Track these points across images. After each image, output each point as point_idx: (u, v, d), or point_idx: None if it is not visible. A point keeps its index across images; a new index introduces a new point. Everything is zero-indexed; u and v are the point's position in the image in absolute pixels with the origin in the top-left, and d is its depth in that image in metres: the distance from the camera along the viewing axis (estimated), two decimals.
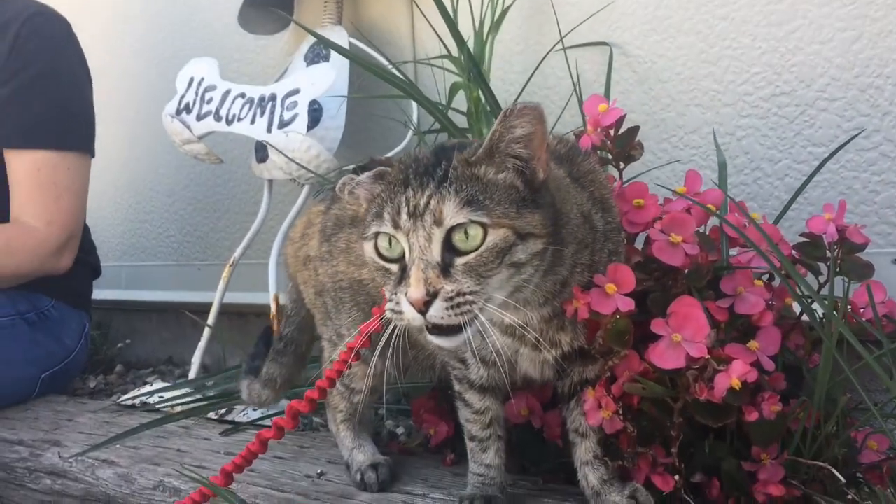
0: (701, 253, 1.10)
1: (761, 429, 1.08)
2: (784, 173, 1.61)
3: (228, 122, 1.99)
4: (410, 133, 1.98)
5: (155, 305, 2.86)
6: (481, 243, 0.92)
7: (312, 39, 2.12)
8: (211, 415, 1.78)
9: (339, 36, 2.08)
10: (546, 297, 1.03)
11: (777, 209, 1.57)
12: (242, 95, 1.99)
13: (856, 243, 1.20)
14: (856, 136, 1.48)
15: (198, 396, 1.92)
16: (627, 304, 0.99)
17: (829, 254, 1.22)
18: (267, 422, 1.72)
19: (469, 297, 0.91)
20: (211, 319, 2.09)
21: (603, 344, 1.01)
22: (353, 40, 2.07)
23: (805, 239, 1.24)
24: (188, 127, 2.05)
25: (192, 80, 2.09)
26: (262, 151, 2.12)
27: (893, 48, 1.48)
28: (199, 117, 2.04)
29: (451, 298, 0.90)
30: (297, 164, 1.84)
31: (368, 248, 0.99)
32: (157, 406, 1.87)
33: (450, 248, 0.93)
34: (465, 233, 0.92)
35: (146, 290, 2.89)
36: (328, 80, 1.86)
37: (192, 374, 2.07)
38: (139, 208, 2.93)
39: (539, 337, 1.05)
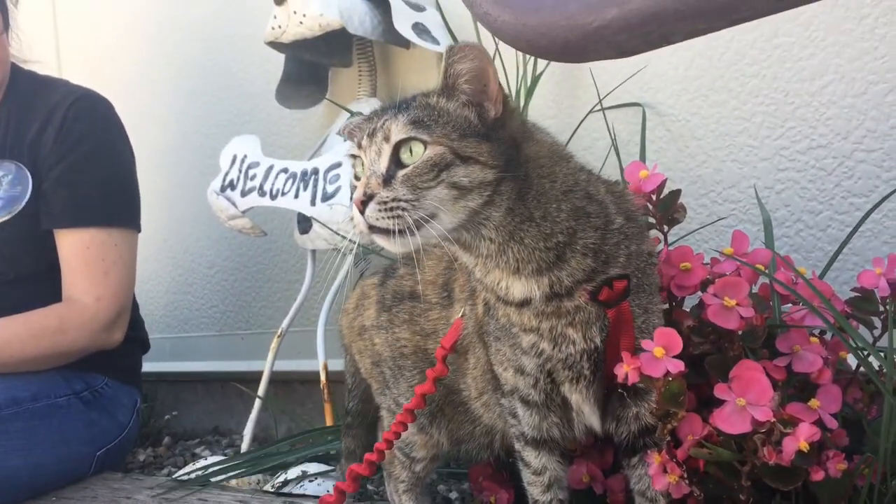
0: (755, 315, 1.11)
1: (828, 488, 1.08)
2: (826, 224, 1.62)
3: (273, 197, 2.05)
4: None
5: (200, 376, 2.90)
6: (420, 157, 1.01)
7: (348, 114, 2.18)
8: (267, 487, 1.79)
9: (372, 107, 2.14)
10: (539, 263, 1.06)
11: (821, 260, 1.58)
12: (285, 171, 2.05)
13: None
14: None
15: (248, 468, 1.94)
16: (677, 366, 1.01)
17: (881, 307, 1.23)
18: (322, 492, 1.73)
19: (402, 204, 0.99)
20: (261, 390, 2.12)
21: (659, 407, 1.03)
22: None
23: (857, 294, 1.25)
24: (233, 203, 2.10)
25: (235, 158, 2.16)
26: (304, 223, 2.17)
27: None
28: (244, 193, 2.10)
29: (384, 202, 1.00)
30: (342, 235, 1.88)
31: (351, 174, 1.12)
32: (212, 478, 1.89)
33: (397, 163, 1.03)
34: (410, 150, 1.02)
35: (190, 361, 2.93)
36: None
37: (244, 447, 2.09)
38: (181, 280, 2.99)
39: (552, 329, 1.08)
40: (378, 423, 1.60)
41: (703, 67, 1.77)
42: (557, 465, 1.17)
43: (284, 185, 2.03)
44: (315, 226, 1.98)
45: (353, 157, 1.10)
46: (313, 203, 1.96)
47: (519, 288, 1.08)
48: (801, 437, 0.97)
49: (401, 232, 1.00)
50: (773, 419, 0.98)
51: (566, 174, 1.10)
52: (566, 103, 1.96)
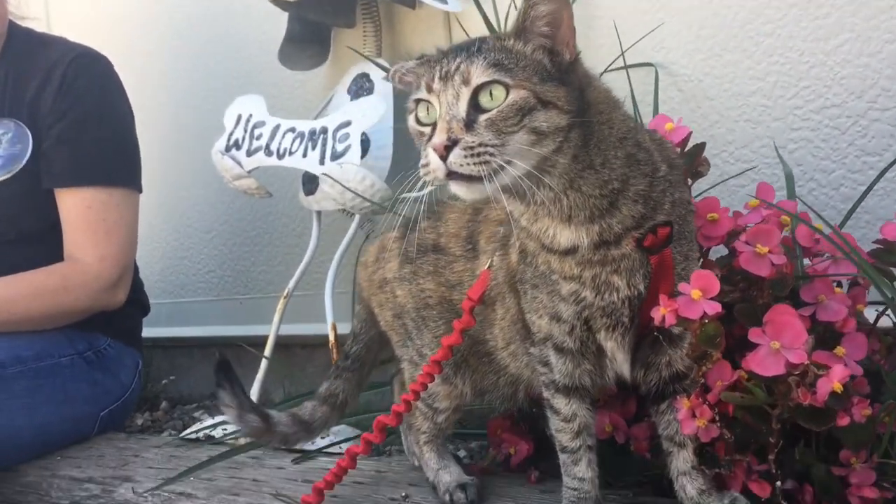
0: (787, 262, 1.12)
1: (853, 433, 1.09)
2: (839, 183, 1.64)
3: (280, 157, 2.03)
4: None
5: (197, 341, 2.88)
6: (503, 101, 0.99)
7: (355, 73, 2.17)
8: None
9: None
10: (592, 211, 1.06)
11: (833, 218, 1.59)
12: (293, 130, 2.03)
13: None
14: None
15: None
16: (714, 308, 1.02)
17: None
18: (334, 448, 1.73)
19: (489, 149, 0.98)
20: (268, 351, 2.11)
21: (695, 349, 1.04)
22: None
23: (879, 246, 1.26)
24: (239, 163, 2.08)
25: (240, 118, 2.13)
26: (310, 184, 2.16)
27: None
28: (250, 153, 2.08)
29: (472, 147, 0.98)
30: (354, 193, 1.87)
31: (411, 119, 1.08)
32: (223, 439, 1.89)
33: (476, 107, 1.01)
34: (490, 94, 1.00)
35: (187, 326, 2.91)
36: (379, 111, 1.90)
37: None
38: (178, 244, 2.97)
39: (595, 277, 1.08)
40: (396, 376, 1.60)
41: (717, 27, 1.77)
42: (587, 412, 1.18)
43: (292, 144, 2.01)
44: (322, 186, 1.96)
45: (418, 101, 1.06)
46: (322, 162, 1.94)
47: (567, 235, 1.08)
48: (835, 379, 0.98)
49: (485, 177, 0.98)
50: (807, 361, 0.99)
51: (621, 121, 1.10)
52: None
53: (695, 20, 1.79)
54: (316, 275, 2.35)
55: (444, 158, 0.99)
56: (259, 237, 2.72)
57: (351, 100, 2.12)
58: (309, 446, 1.76)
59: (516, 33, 1.05)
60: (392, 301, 1.41)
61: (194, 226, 2.90)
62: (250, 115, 2.12)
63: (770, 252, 1.11)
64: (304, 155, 1.98)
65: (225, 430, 1.95)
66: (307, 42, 2.33)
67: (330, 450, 1.73)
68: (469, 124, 1.00)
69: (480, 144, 0.99)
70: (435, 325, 1.34)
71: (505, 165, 0.99)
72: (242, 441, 1.86)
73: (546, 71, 1.03)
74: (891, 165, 1.46)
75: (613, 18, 1.87)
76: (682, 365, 1.13)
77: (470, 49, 1.04)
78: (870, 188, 1.46)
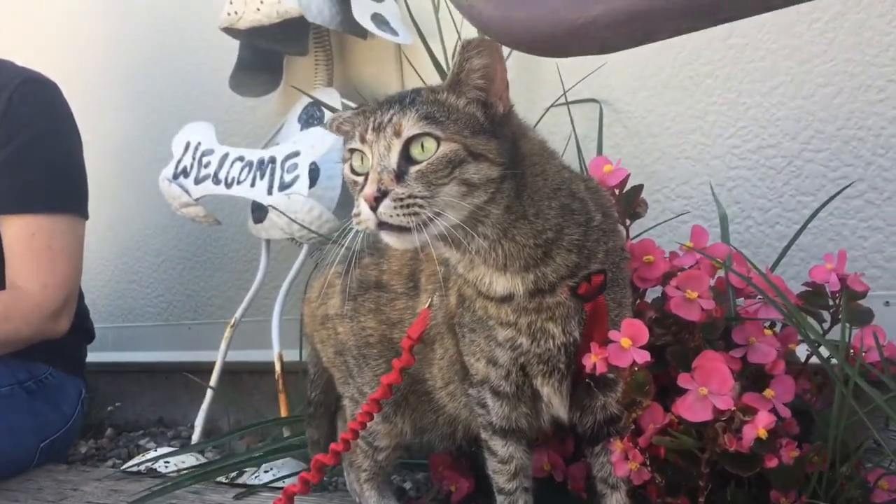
0: (716, 307, 1.15)
1: (781, 474, 1.12)
2: (775, 221, 1.68)
3: (228, 186, 2.02)
4: None
5: (144, 366, 2.84)
6: (434, 154, 1.01)
7: (305, 102, 2.17)
8: (221, 478, 1.78)
9: (332, 97, 2.13)
10: (527, 260, 1.08)
11: (769, 256, 1.63)
12: (241, 159, 2.03)
13: (857, 291, 1.26)
14: (846, 187, 1.55)
15: (203, 461, 1.92)
16: (643, 357, 1.04)
17: (831, 302, 1.28)
18: (279, 483, 1.72)
19: (418, 201, 0.99)
20: (213, 380, 2.09)
21: (625, 396, 1.06)
22: (346, 101, 2.13)
23: (808, 288, 1.29)
24: (186, 191, 2.07)
25: (188, 145, 2.12)
26: (258, 212, 2.15)
27: (872, 102, 1.56)
28: (198, 181, 2.07)
29: (401, 199, 0.99)
30: (300, 224, 1.87)
31: (346, 168, 1.10)
32: (164, 472, 1.87)
33: (408, 159, 1.02)
34: (422, 146, 1.02)
35: (134, 351, 2.88)
36: (327, 142, 1.91)
37: (195, 437, 2.07)
38: (126, 269, 2.93)
39: (530, 324, 1.10)
40: (338, 412, 1.60)
41: (659, 65, 1.81)
42: (524, 453, 1.19)
43: (240, 173, 2.01)
44: (270, 215, 1.96)
45: (352, 150, 1.09)
46: (270, 192, 1.94)
47: (503, 283, 1.10)
48: (760, 425, 1.01)
49: (413, 228, 1.00)
50: (733, 408, 1.02)
51: (555, 172, 1.12)
52: (523, 97, 1.98)
53: (638, 58, 1.82)
54: (265, 301, 2.34)
55: (374, 209, 1.01)
56: (209, 262, 2.70)
57: (301, 129, 2.12)
58: (253, 480, 1.75)
59: (450, 86, 1.07)
60: (334, 338, 1.42)
61: (143, 249, 2.87)
62: (199, 143, 2.12)
63: (700, 297, 1.13)
64: (252, 184, 1.98)
65: (167, 462, 1.93)
66: (258, 69, 2.33)
67: (274, 484, 1.72)
68: (400, 175, 1.01)
69: (410, 196, 1.00)
70: (376, 363, 1.35)
71: (435, 217, 1.01)
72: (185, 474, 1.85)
73: (478, 124, 1.05)
74: (823, 206, 1.50)
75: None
76: (615, 408, 1.15)
77: (403, 101, 1.05)
78: (803, 228, 1.49)
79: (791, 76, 1.65)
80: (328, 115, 2.09)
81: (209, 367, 2.26)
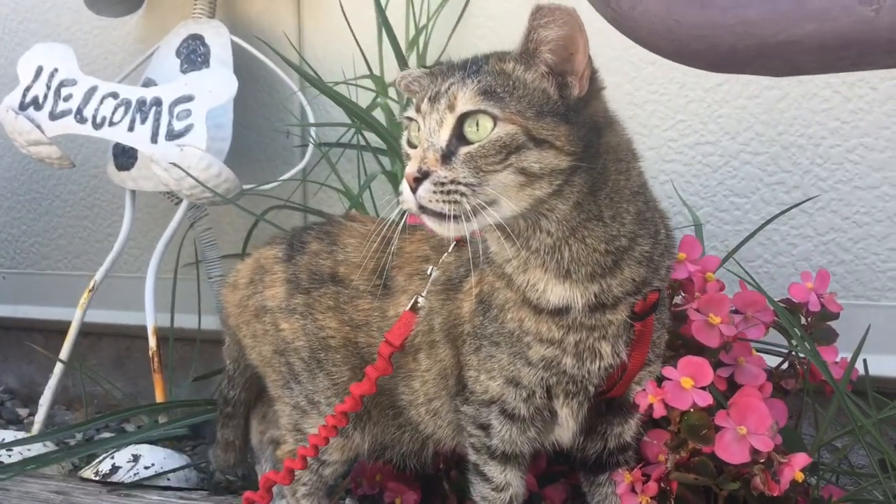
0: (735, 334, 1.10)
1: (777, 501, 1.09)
2: (706, 220, 1.66)
3: (96, 126, 1.70)
4: (311, 148, 1.81)
5: None
6: (488, 135, 0.89)
7: (183, 32, 1.87)
8: (88, 472, 1.51)
9: (219, 32, 1.85)
10: (594, 268, 0.96)
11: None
12: (114, 95, 1.71)
13: (831, 311, 1.26)
14: (802, 202, 1.54)
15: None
16: (705, 399, 0.96)
17: (804, 320, 1.27)
18: (161, 481, 1.50)
19: (461, 188, 0.89)
20: (65, 352, 1.78)
21: (678, 436, 0.97)
22: (237, 39, 1.86)
23: (785, 305, 1.27)
24: (38, 126, 1.72)
25: (40, 70, 1.77)
26: (123, 157, 1.85)
27: (816, 110, 1.57)
28: (54, 116, 1.73)
29: (442, 184, 0.89)
30: (198, 182, 1.60)
31: (403, 136, 0.99)
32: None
33: (460, 137, 0.91)
34: (477, 124, 0.90)
35: None
36: (230, 89, 1.65)
37: (38, 418, 1.76)
38: None
39: (578, 343, 0.98)
40: (253, 411, 1.41)
41: (599, 45, 1.69)
42: (520, 481, 1.08)
43: (113, 112, 1.70)
44: (153, 167, 1.67)
45: (409, 119, 0.95)
46: (154, 140, 1.65)
47: (559, 293, 0.97)
48: (797, 467, 0.96)
49: (455, 217, 0.87)
50: (772, 449, 0.97)
51: (637, 174, 1.00)
52: None
53: None
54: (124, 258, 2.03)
55: (413, 190, 0.89)
56: (34, 203, 2.34)
57: (182, 65, 1.83)
58: (130, 477, 1.51)
59: (519, 56, 0.93)
60: (273, 335, 1.22)
61: None
62: (55, 70, 1.76)
63: (721, 322, 1.07)
64: (131, 128, 1.68)
65: (10, 451, 1.63)
66: None
67: (155, 483, 1.49)
68: (447, 156, 0.90)
69: (452, 181, 0.89)
70: (337, 369, 1.17)
71: (481, 207, 0.89)
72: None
73: (549, 103, 0.92)
74: (772, 219, 1.50)
75: (496, 30, 1.77)
76: (630, 436, 1.07)
77: (468, 69, 0.93)
78: (749, 238, 1.48)
79: (737, 75, 1.62)
80: (216, 51, 1.82)
81: (48, 325, 1.95)
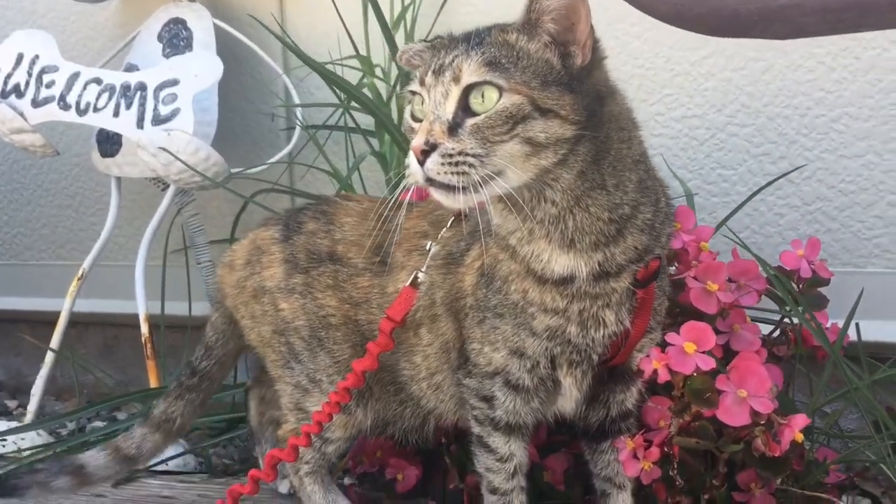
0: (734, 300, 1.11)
1: (774, 463, 1.11)
2: (693, 192, 1.67)
3: (80, 112, 1.69)
4: (297, 130, 1.80)
5: None
6: (493, 106, 0.90)
7: (164, 17, 1.85)
8: None
9: (201, 16, 1.83)
10: (598, 236, 0.97)
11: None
12: (97, 81, 1.70)
13: (822, 277, 1.28)
14: (788, 172, 1.56)
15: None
16: (708, 363, 0.97)
17: (797, 287, 1.29)
18: (159, 467, 1.50)
19: (469, 159, 0.90)
20: (55, 341, 1.77)
21: (681, 400, 0.99)
22: (219, 22, 1.84)
23: (776, 273, 1.29)
24: (21, 113, 1.70)
25: (20, 57, 1.75)
26: (107, 144, 1.84)
27: (801, 81, 1.58)
28: (37, 103, 1.71)
29: (450, 155, 0.89)
30: (186, 166, 1.59)
31: (407, 112, 0.99)
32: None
33: (466, 109, 0.91)
34: (482, 95, 0.91)
35: None
36: (216, 72, 1.64)
37: (31, 408, 1.75)
38: None
39: (582, 311, 0.99)
40: (251, 391, 1.40)
41: None
42: (524, 451, 1.09)
43: (97, 98, 1.68)
44: (140, 153, 1.65)
45: (413, 93, 0.96)
46: (140, 125, 1.64)
47: (563, 263, 0.97)
48: (797, 428, 0.98)
49: (464, 189, 0.88)
50: (772, 411, 0.98)
51: (639, 141, 1.01)
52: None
53: None
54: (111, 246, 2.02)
55: (421, 163, 0.89)
56: (15, 193, 2.30)
57: (165, 49, 1.81)
58: None
59: (521, 26, 0.94)
60: (273, 315, 1.22)
61: None
62: (35, 56, 1.75)
63: (719, 289, 1.08)
64: (116, 114, 1.66)
65: (4, 441, 1.62)
66: None
67: (157, 467, 1.49)
68: (454, 128, 0.90)
69: (460, 153, 0.89)
70: (338, 347, 1.17)
71: (489, 178, 0.89)
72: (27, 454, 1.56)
73: (552, 73, 0.92)
74: (759, 191, 1.52)
75: (479, 7, 1.77)
76: (631, 403, 1.08)
77: (471, 41, 0.93)
78: (736, 210, 1.51)
79: (722, 46, 1.63)
80: (199, 34, 1.80)
81: (34, 315, 1.94)
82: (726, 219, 1.51)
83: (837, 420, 1.42)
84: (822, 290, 1.31)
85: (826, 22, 0.65)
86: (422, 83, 0.94)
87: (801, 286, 1.29)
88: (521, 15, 0.95)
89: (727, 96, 1.64)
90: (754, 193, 1.50)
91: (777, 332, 1.32)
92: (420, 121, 0.94)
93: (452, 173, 0.88)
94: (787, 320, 1.31)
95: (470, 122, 0.90)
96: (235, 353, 1.36)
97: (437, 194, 0.91)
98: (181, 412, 1.36)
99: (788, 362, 1.32)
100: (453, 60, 0.92)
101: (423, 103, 0.94)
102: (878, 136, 1.54)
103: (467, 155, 0.89)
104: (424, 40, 1.03)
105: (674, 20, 0.77)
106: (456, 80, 0.91)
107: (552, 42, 0.94)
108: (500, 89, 0.90)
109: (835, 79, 1.56)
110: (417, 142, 0.90)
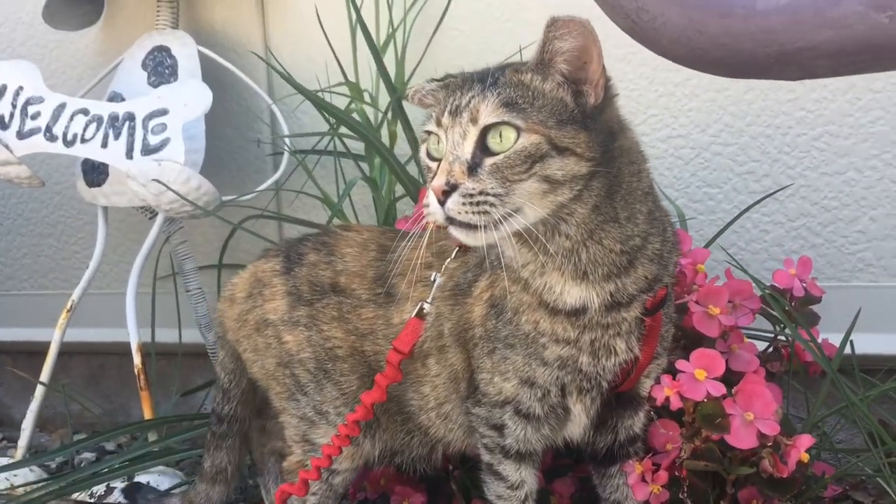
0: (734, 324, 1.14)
1: (782, 484, 1.13)
2: (680, 212, 1.70)
3: (68, 144, 1.67)
4: (286, 156, 1.80)
5: None
6: (512, 146, 0.92)
7: (147, 45, 1.84)
8: (82, 496, 1.49)
9: (185, 43, 1.83)
10: (611, 268, 0.99)
11: None
12: (84, 112, 1.68)
13: (814, 295, 1.31)
14: (774, 191, 1.60)
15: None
16: (719, 389, 0.99)
17: (788, 306, 1.32)
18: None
19: (490, 199, 0.91)
20: (45, 374, 1.75)
21: (692, 426, 1.01)
22: (203, 49, 1.84)
23: (770, 292, 1.32)
24: (6, 146, 1.69)
25: (4, 89, 1.73)
26: (93, 173, 1.82)
27: (782, 101, 1.62)
28: (22, 135, 1.69)
29: (471, 195, 0.91)
30: (180, 196, 1.58)
31: (422, 151, 1.01)
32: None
33: (484, 149, 0.93)
34: (500, 135, 0.93)
35: None
36: (205, 100, 1.63)
37: (22, 443, 1.72)
38: None
39: (594, 341, 1.01)
40: (251, 428, 1.40)
41: None
42: (534, 478, 1.11)
43: (84, 129, 1.67)
44: (130, 183, 1.64)
45: (428, 132, 0.97)
46: (129, 155, 1.63)
47: (576, 294, 0.99)
48: (802, 448, 1.00)
49: (485, 227, 0.90)
50: (778, 433, 1.01)
51: (647, 174, 1.04)
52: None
53: None
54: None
55: (442, 203, 0.91)
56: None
57: (150, 77, 1.80)
58: (117, 498, 1.49)
59: (535, 67, 0.96)
60: (277, 347, 1.22)
61: None
62: (19, 88, 1.73)
63: (721, 313, 1.11)
64: (104, 145, 1.65)
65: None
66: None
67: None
68: (473, 168, 0.92)
69: (481, 192, 0.91)
70: (345, 379, 1.18)
71: (508, 216, 0.91)
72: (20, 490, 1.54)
73: (567, 111, 0.95)
74: (747, 210, 1.55)
75: (465, 31, 1.79)
76: (639, 428, 1.10)
77: (485, 81, 0.95)
78: (724, 229, 1.54)
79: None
80: (183, 62, 1.80)
81: (15, 346, 1.91)
82: (716, 236, 1.54)
83: (829, 434, 1.45)
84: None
85: (840, 65, 0.67)
86: (438, 123, 0.96)
87: (794, 304, 1.32)
88: (534, 55, 0.97)
89: (711, 116, 1.68)
90: (742, 212, 1.53)
91: (770, 349, 1.35)
92: (437, 160, 0.95)
93: (474, 213, 0.90)
94: (780, 337, 1.34)
95: (489, 161, 0.92)
96: (252, 387, 1.35)
97: (457, 233, 0.93)
98: (227, 460, 1.38)
99: (781, 378, 1.35)
100: (470, 101, 0.94)
101: (439, 142, 0.96)
102: (859, 154, 1.58)
103: (487, 194, 0.90)
104: (435, 79, 1.04)
105: (692, 63, 0.79)
106: (474, 120, 0.93)
107: (565, 81, 0.96)
108: (518, 129, 0.92)
109: (815, 98, 1.60)
110: (438, 182, 0.91)
